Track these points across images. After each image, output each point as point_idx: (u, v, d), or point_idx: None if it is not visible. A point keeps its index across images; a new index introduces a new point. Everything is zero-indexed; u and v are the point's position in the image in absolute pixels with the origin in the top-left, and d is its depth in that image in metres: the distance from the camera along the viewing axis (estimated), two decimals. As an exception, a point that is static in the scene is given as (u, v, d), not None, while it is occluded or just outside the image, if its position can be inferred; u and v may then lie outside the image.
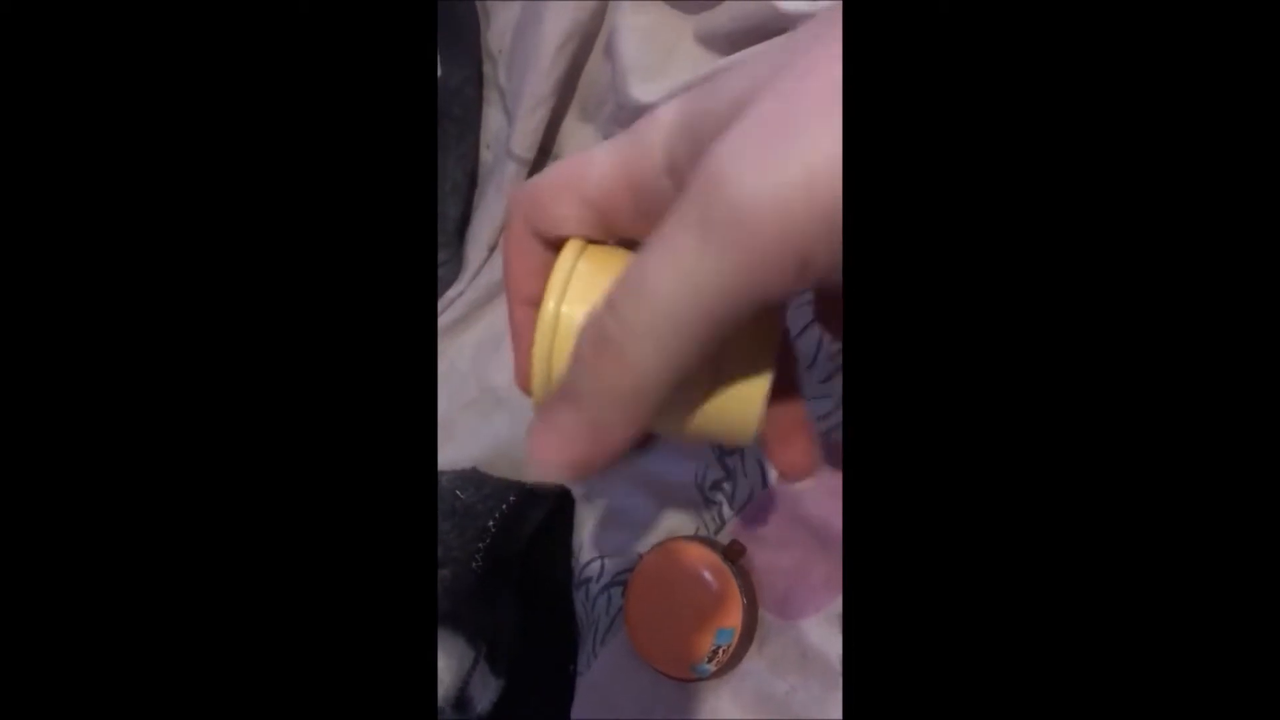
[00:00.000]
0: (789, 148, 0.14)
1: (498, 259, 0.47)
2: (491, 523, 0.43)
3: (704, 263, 0.15)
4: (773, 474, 0.36)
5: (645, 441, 0.39)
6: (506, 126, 0.45)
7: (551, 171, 0.19)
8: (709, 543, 0.36)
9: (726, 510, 0.37)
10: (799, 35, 0.17)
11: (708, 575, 0.35)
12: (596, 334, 0.16)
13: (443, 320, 0.47)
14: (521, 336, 0.21)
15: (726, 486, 0.37)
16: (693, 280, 0.15)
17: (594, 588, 0.40)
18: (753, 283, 0.15)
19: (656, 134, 0.17)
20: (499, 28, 0.45)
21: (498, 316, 0.47)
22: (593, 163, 0.18)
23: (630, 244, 0.20)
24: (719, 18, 0.36)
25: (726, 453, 0.37)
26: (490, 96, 0.47)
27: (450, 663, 0.44)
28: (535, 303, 0.19)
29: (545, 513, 0.42)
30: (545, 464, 0.17)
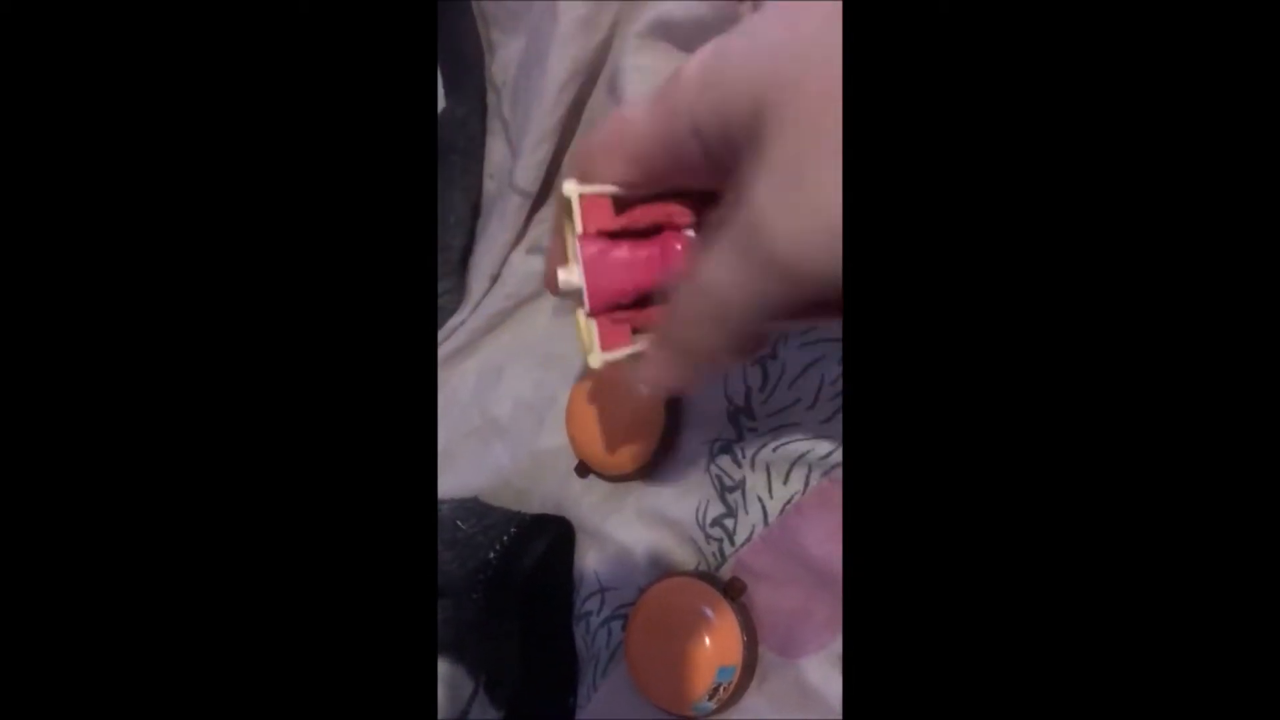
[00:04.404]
0: (812, 201, 0.18)
1: (500, 289, 0.47)
2: (492, 554, 0.43)
3: (751, 283, 0.20)
4: (774, 512, 0.36)
5: (649, 474, 0.39)
6: (509, 157, 0.46)
7: (600, 133, 0.24)
8: (710, 579, 0.37)
9: (727, 547, 0.37)
10: (803, 24, 0.19)
11: (708, 612, 0.35)
12: (668, 317, 0.23)
13: (445, 349, 0.47)
14: (553, 259, 0.28)
15: (728, 523, 0.37)
16: (741, 290, 0.21)
17: (594, 621, 0.40)
18: (786, 295, 0.20)
19: (683, 97, 0.21)
20: (502, 60, 0.45)
21: (500, 346, 0.47)
22: (633, 125, 0.23)
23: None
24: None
25: (728, 489, 0.38)
26: (494, 127, 0.47)
27: (450, 692, 0.44)
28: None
29: (546, 545, 0.42)
30: (650, 384, 0.25)
